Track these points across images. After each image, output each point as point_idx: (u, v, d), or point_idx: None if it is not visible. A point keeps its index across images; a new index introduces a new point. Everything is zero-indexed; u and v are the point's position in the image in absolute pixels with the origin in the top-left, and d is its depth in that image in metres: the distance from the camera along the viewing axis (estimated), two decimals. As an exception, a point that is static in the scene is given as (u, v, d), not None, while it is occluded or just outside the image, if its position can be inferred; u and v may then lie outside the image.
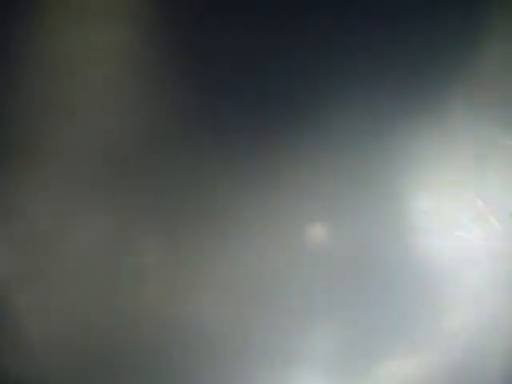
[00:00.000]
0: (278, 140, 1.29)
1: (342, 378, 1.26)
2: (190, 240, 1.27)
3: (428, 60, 1.33)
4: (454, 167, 1.31)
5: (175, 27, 1.32)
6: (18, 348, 1.24)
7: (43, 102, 1.30)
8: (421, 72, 1.33)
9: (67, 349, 1.24)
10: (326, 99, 1.31)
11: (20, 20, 1.31)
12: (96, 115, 1.29)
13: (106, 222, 1.26)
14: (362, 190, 1.29)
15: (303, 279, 1.26)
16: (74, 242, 1.26)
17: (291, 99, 1.30)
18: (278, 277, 1.26)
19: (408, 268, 1.27)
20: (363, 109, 1.30)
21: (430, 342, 1.27)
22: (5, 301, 1.25)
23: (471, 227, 1.29)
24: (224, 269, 1.26)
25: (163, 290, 1.25)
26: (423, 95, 1.32)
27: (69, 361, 1.24)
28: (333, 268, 1.27)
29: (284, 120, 1.30)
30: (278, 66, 1.31)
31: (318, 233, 1.27)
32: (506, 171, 1.31)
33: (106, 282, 1.25)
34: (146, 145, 1.29)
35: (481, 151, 1.31)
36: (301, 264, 1.27)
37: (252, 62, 1.31)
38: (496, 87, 1.34)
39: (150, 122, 1.29)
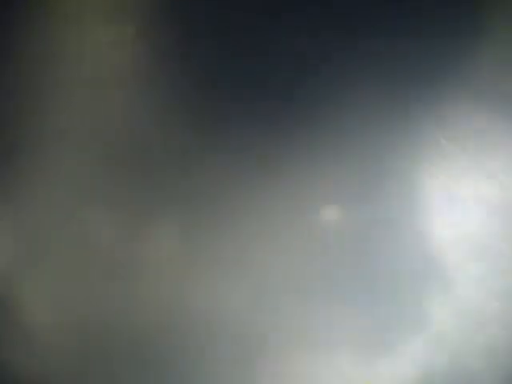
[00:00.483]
0: (290, 130, 1.30)
1: (359, 361, 1.25)
2: (203, 231, 1.27)
3: (428, 59, 1.34)
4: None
5: (175, 27, 1.33)
6: (19, 344, 1.23)
7: (45, 102, 1.30)
8: (421, 71, 1.33)
9: (70, 344, 1.23)
10: (330, 94, 1.32)
11: (20, 20, 1.31)
12: (102, 112, 1.30)
13: (113, 215, 1.26)
14: (371, 176, 1.29)
15: (316, 264, 1.26)
16: (81, 236, 1.26)
17: (295, 93, 1.31)
18: (291, 263, 1.26)
19: (416, 251, 1.28)
20: (368, 107, 1.31)
21: (441, 327, 1.26)
22: (6, 297, 1.24)
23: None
24: (237, 257, 1.26)
25: (174, 282, 1.25)
26: (423, 93, 1.33)
27: (71, 357, 1.23)
28: (343, 252, 1.26)
29: (293, 113, 1.31)
30: (288, 61, 1.32)
31: (329, 217, 1.28)
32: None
33: (113, 276, 1.25)
34: (155, 141, 1.29)
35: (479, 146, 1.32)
36: (313, 249, 1.26)
37: (253, 60, 1.32)
38: (495, 86, 1.34)
39: (160, 118, 1.30)
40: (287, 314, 1.25)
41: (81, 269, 1.24)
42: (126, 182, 1.27)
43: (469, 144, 1.32)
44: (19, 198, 1.27)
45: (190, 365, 1.23)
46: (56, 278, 1.24)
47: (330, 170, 1.29)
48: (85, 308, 1.23)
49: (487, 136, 1.32)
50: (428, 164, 1.30)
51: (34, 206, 1.26)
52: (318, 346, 1.24)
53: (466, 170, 1.31)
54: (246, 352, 1.23)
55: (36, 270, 1.25)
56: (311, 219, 1.28)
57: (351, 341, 1.24)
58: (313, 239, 1.27)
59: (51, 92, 1.30)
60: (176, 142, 1.29)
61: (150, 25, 1.33)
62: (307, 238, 1.27)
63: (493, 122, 1.33)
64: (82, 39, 1.32)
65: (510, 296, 1.27)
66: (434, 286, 1.26)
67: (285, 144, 1.29)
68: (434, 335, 1.25)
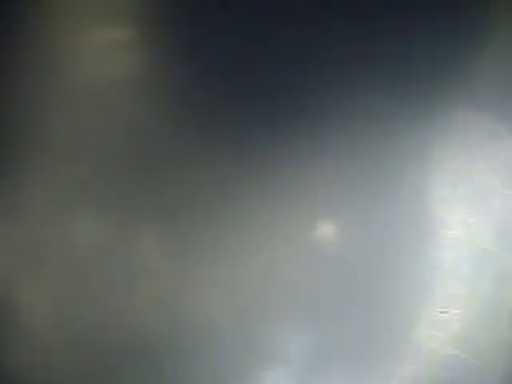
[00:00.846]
0: (288, 138, 1.29)
1: (348, 377, 1.26)
2: (197, 240, 1.27)
3: (429, 59, 1.33)
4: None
5: (176, 28, 1.32)
6: (18, 345, 1.23)
7: (45, 102, 1.30)
8: (421, 71, 1.33)
9: (69, 347, 1.24)
10: (335, 101, 1.31)
11: (20, 20, 1.31)
12: (100, 114, 1.29)
13: (109, 221, 1.26)
14: (371, 188, 1.29)
15: (311, 276, 1.26)
16: (76, 241, 1.26)
17: (298, 97, 1.31)
18: (286, 274, 1.26)
19: (418, 266, 1.28)
20: (369, 110, 1.31)
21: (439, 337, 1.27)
22: (6, 300, 1.24)
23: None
24: (232, 268, 1.26)
25: (168, 288, 1.25)
26: (424, 94, 1.33)
27: (71, 359, 1.23)
28: (342, 267, 1.27)
29: (294, 118, 1.30)
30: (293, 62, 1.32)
31: (326, 231, 1.27)
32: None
33: (109, 280, 1.25)
34: (152, 144, 1.29)
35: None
36: (309, 261, 1.27)
37: (255, 59, 1.31)
38: (497, 86, 1.34)
39: (156, 120, 1.29)
40: (284, 325, 1.25)
41: (79, 271, 1.25)
42: (124, 186, 1.27)
43: (471, 146, 1.32)
44: (18, 201, 1.27)
45: (185, 364, 1.24)
46: (54, 281, 1.25)
47: (330, 177, 1.29)
48: (83, 309, 1.24)
49: (489, 137, 1.32)
50: (431, 168, 1.30)
51: (33, 209, 1.26)
52: (315, 358, 1.25)
53: (469, 171, 1.31)
54: (238, 358, 1.24)
55: (35, 273, 1.25)
56: (310, 228, 1.27)
57: (349, 353, 1.25)
58: (311, 249, 1.27)
59: (50, 93, 1.30)
60: (175, 146, 1.28)
61: (152, 25, 1.32)
62: (305, 247, 1.27)
63: (494, 123, 1.33)
64: (82, 40, 1.31)
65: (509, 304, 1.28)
66: (439, 297, 1.27)
67: (285, 151, 1.29)
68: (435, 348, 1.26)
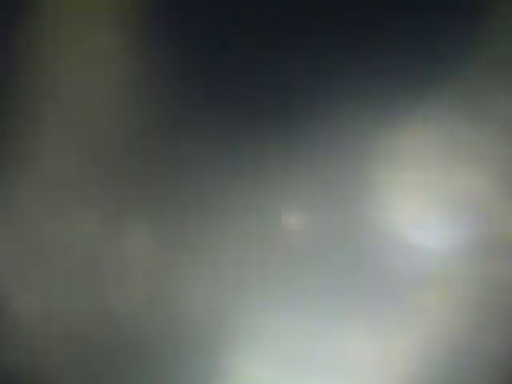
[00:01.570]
0: (264, 131, 1.30)
1: (330, 367, 1.26)
2: (179, 233, 1.27)
3: (427, 58, 1.34)
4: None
5: (174, 28, 1.33)
6: (16, 346, 1.24)
7: (39, 102, 1.30)
8: (420, 70, 1.33)
9: (66, 347, 1.24)
10: (313, 93, 1.31)
11: (19, 21, 1.32)
12: (91, 113, 1.30)
13: (100, 219, 1.27)
14: (343, 178, 1.29)
15: (289, 267, 1.27)
16: (70, 239, 1.26)
17: (279, 91, 1.31)
18: (264, 264, 1.27)
19: (387, 255, 1.28)
20: (351, 111, 1.31)
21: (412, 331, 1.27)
22: (3, 300, 1.25)
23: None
24: (211, 258, 1.26)
25: (157, 284, 1.26)
26: (416, 94, 1.33)
27: (68, 358, 1.24)
28: (319, 255, 1.27)
29: (270, 113, 1.30)
30: (277, 59, 1.32)
31: (302, 220, 1.28)
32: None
33: (99, 279, 1.26)
34: (146, 144, 1.30)
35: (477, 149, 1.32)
36: (287, 251, 1.27)
37: (252, 56, 1.32)
38: (495, 86, 1.34)
39: (144, 118, 1.30)
40: (264, 319, 1.25)
41: (73, 270, 1.25)
42: (116, 182, 1.28)
43: (458, 146, 1.32)
44: (10, 200, 1.27)
45: (172, 359, 1.24)
46: (52, 280, 1.25)
47: (304, 173, 1.29)
48: (82, 308, 1.24)
49: (479, 139, 1.32)
50: (408, 167, 1.30)
51: (27, 208, 1.27)
52: (288, 355, 1.25)
53: (453, 170, 1.31)
54: (219, 353, 1.24)
55: (29, 272, 1.25)
56: (288, 226, 1.28)
57: (317, 352, 1.25)
58: (289, 241, 1.27)
59: (46, 93, 1.31)
60: (163, 146, 1.29)
61: (140, 37, 1.33)
62: (285, 244, 1.27)
63: (488, 124, 1.33)
64: (80, 40, 1.32)
65: (507, 295, 1.27)
66: (416, 295, 1.27)
67: (262, 148, 1.30)
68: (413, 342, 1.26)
